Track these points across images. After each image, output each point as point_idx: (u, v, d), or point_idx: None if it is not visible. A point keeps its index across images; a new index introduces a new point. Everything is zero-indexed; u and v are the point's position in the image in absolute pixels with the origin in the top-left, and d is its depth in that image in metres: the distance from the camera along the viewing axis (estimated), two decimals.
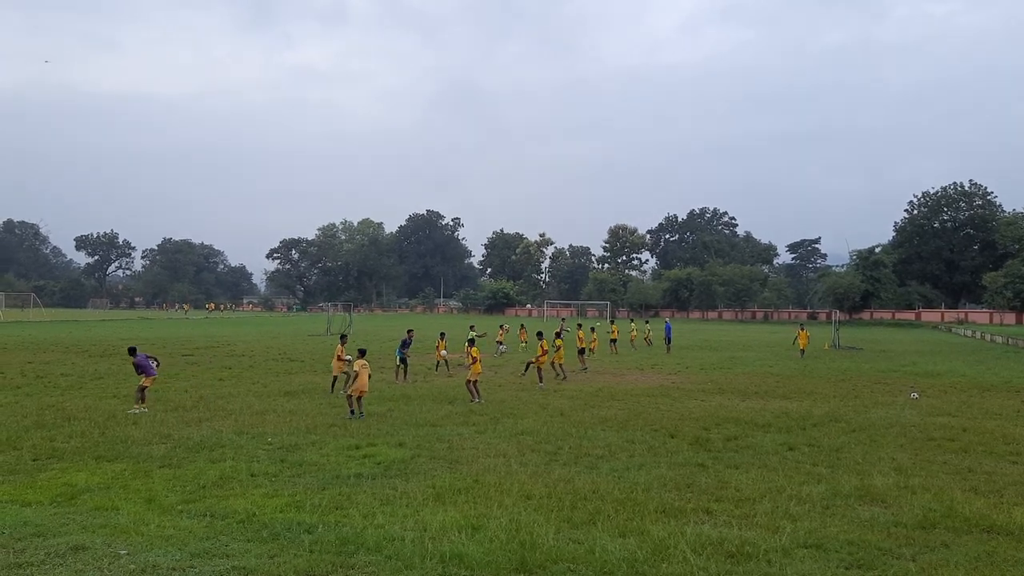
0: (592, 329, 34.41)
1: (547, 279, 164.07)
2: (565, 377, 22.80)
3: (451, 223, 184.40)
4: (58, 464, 10.93)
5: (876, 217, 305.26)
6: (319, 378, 21.76)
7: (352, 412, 15.38)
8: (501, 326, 39.35)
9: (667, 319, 48.83)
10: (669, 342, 39.08)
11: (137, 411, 15.65)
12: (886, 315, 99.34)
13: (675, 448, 12.58)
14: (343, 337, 20.68)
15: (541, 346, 22.03)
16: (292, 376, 23.79)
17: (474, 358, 18.57)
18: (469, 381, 18.35)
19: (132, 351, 16.89)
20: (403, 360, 22.61)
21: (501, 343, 35.47)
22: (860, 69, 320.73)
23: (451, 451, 12.12)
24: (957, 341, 54.99)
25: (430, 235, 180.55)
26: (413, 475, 10.42)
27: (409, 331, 24.28)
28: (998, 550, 7.48)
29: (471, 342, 19.55)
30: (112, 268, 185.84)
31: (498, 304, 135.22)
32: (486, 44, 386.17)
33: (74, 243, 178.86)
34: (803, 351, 35.33)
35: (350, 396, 15.67)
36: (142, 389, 16.26)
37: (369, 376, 15.99)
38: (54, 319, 75.49)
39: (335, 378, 19.60)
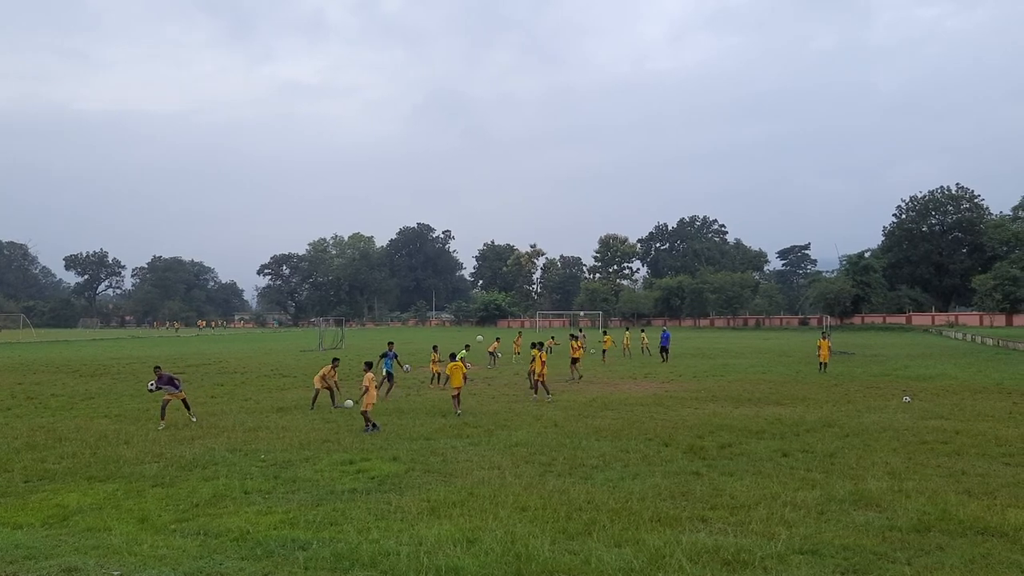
0: (583, 336, 34.25)
1: (539, 290, 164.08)
2: (537, 391, 21.89)
3: (442, 236, 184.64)
4: (50, 485, 10.85)
5: (865, 222, 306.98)
6: (312, 394, 21.60)
7: (368, 427, 15.43)
8: (497, 339, 39.32)
9: (664, 328, 48.03)
10: (665, 351, 38.06)
11: (194, 419, 17.01)
12: (877, 319, 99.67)
13: (669, 457, 12.58)
14: (335, 361, 20.77)
15: (538, 357, 21.84)
16: (284, 392, 23.71)
17: (452, 372, 18.63)
18: (453, 393, 18.35)
19: (156, 369, 17.90)
20: (389, 374, 22.57)
21: (494, 353, 35.48)
22: (848, 73, 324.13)
23: (445, 464, 12.08)
24: (948, 344, 55.24)
25: (421, 248, 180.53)
26: (407, 489, 10.39)
27: (390, 343, 24.57)
28: (993, 552, 7.51)
29: (452, 356, 19.55)
30: (102, 287, 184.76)
31: (490, 316, 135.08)
32: (472, 54, 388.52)
33: (63, 263, 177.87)
34: (824, 364, 30.32)
35: (365, 412, 15.64)
36: (182, 403, 17.32)
37: (377, 387, 16.00)
38: (44, 339, 75.01)
39: (316, 393, 19.74)
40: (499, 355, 35.88)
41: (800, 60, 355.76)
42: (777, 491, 9.99)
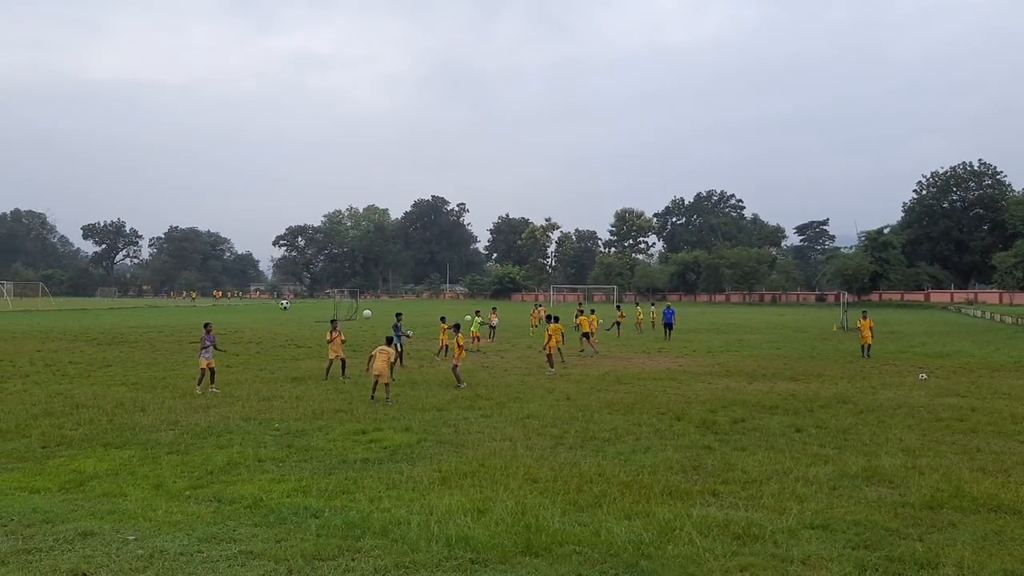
0: (592, 311, 34.06)
1: (553, 264, 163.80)
2: (563, 361, 22.18)
3: (456, 208, 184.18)
4: (67, 451, 10.98)
5: (885, 198, 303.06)
6: (326, 364, 21.82)
7: (374, 396, 15.73)
8: (493, 309, 39.29)
9: (669, 304, 46.85)
10: (669, 327, 36.14)
11: (199, 391, 16.69)
12: (895, 296, 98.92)
13: (681, 431, 12.57)
14: (333, 322, 20.88)
15: (548, 331, 21.95)
16: (299, 362, 23.86)
17: (459, 345, 18.65)
18: (455, 366, 18.43)
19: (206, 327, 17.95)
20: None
21: (492, 326, 35.57)
22: (867, 44, 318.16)
23: (457, 435, 12.13)
24: (966, 322, 54.74)
25: (435, 221, 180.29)
26: (419, 459, 10.45)
27: (398, 314, 25.04)
28: (1005, 529, 7.45)
29: (457, 327, 19.65)
30: (119, 257, 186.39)
31: (504, 289, 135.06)
32: (480, 25, 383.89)
33: (81, 232, 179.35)
34: (867, 347, 26.78)
35: (376, 380, 15.94)
36: (205, 371, 17.12)
37: (392, 360, 16.24)
38: (62, 308, 75.84)
39: (330, 363, 19.84)
40: (497, 323, 36.01)
41: (816, 31, 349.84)
42: (789, 466, 9.96)
